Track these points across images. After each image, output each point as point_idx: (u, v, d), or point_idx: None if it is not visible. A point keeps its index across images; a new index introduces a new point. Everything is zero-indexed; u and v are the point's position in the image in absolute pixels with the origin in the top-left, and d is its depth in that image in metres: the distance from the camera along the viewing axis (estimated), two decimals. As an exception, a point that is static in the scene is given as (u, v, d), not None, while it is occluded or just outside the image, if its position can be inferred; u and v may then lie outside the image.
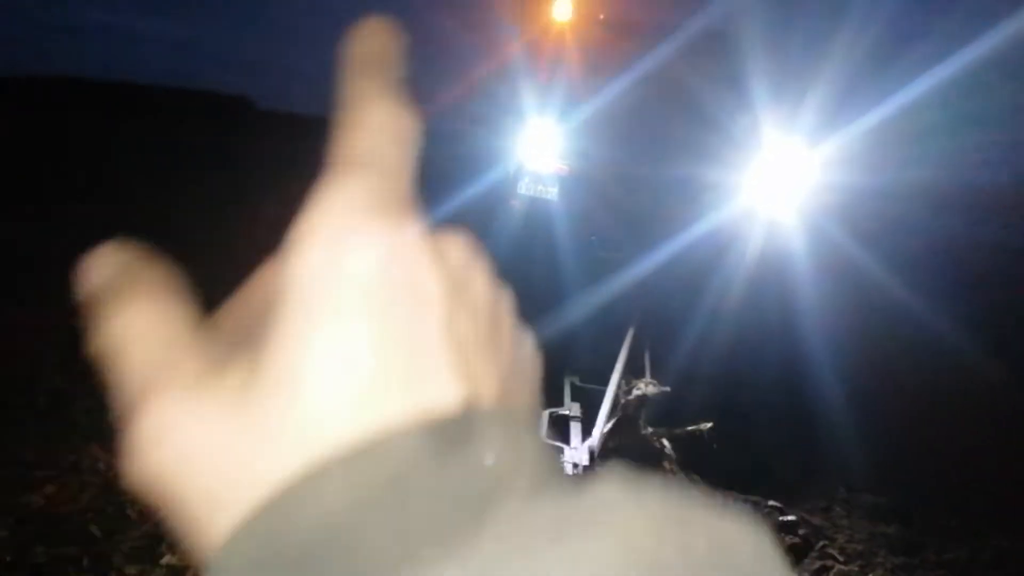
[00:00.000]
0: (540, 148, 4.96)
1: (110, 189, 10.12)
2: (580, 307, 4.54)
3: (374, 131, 0.27)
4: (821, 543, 3.03)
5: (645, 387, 3.34)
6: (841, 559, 2.95)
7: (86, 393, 3.33)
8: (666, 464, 3.15)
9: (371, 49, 0.28)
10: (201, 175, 12.56)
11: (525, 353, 0.33)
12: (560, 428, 3.13)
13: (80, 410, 3.35)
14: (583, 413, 3.31)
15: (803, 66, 4.89)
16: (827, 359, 4.55)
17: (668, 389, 3.35)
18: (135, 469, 0.23)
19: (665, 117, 4.91)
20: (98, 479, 2.90)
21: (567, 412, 3.32)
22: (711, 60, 4.93)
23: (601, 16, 5.40)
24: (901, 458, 3.96)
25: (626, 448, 3.14)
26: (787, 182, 4.76)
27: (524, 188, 4.96)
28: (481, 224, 5.66)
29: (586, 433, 3.01)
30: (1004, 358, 5.47)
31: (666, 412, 3.38)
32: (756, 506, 3.16)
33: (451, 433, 0.23)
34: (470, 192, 5.40)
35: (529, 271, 4.90)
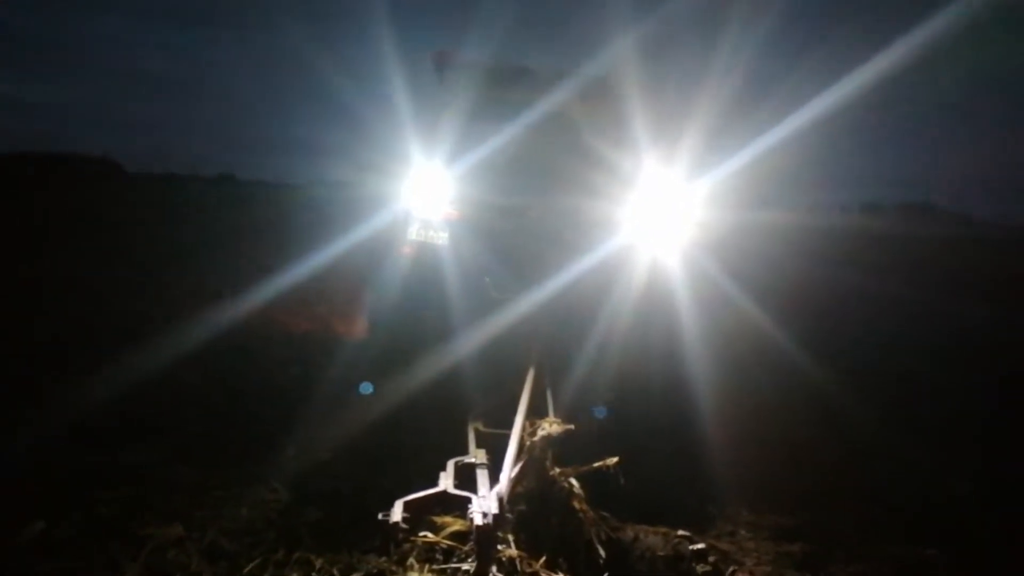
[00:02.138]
0: (429, 193, 4.92)
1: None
2: (477, 350, 4.48)
3: None
4: (732, 568, 3.04)
5: (549, 427, 3.28)
6: (752, 583, 2.97)
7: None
8: (575, 503, 3.09)
9: None
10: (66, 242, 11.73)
11: None
12: (467, 477, 3.02)
13: None
14: (489, 459, 3.22)
15: (680, 108, 5.14)
16: (707, 387, 4.75)
17: (572, 427, 3.32)
18: None
19: (552, 158, 5.01)
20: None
21: (473, 460, 3.22)
22: (595, 103, 5.10)
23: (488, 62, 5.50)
24: (789, 478, 4.11)
25: (535, 491, 3.06)
26: (666, 217, 4.95)
27: (414, 234, 4.89)
28: (370, 271, 5.55)
29: (494, 480, 2.91)
30: (848, 380, 5.96)
31: (571, 450, 3.34)
32: (666, 537, 3.15)
33: None
34: (357, 239, 5.29)
35: (422, 316, 4.82)
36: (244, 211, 20.73)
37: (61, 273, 8.97)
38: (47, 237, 12.05)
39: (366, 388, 4.12)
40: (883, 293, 12.19)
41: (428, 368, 4.43)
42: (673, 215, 4.95)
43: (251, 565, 2.76)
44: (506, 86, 5.24)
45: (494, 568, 2.40)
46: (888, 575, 3.09)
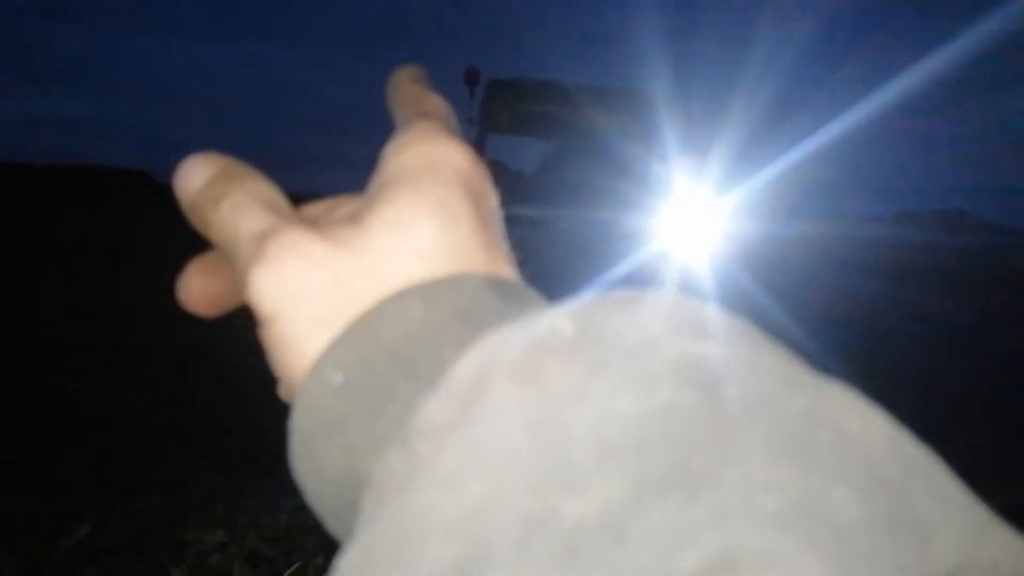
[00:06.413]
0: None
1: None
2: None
3: None
4: None
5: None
6: None
7: None
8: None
9: None
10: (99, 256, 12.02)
11: None
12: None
13: None
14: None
15: (710, 119, 5.16)
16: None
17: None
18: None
19: (582, 170, 5.06)
20: None
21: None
22: (625, 115, 5.15)
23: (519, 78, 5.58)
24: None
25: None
26: (696, 228, 4.96)
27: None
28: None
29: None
30: (887, 395, 5.82)
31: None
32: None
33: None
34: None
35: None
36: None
37: (93, 287, 9.20)
38: (80, 250, 12.38)
39: None
40: (922, 305, 11.93)
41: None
42: (704, 227, 4.96)
43: (291, 569, 2.83)
44: (537, 101, 5.31)
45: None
46: None
